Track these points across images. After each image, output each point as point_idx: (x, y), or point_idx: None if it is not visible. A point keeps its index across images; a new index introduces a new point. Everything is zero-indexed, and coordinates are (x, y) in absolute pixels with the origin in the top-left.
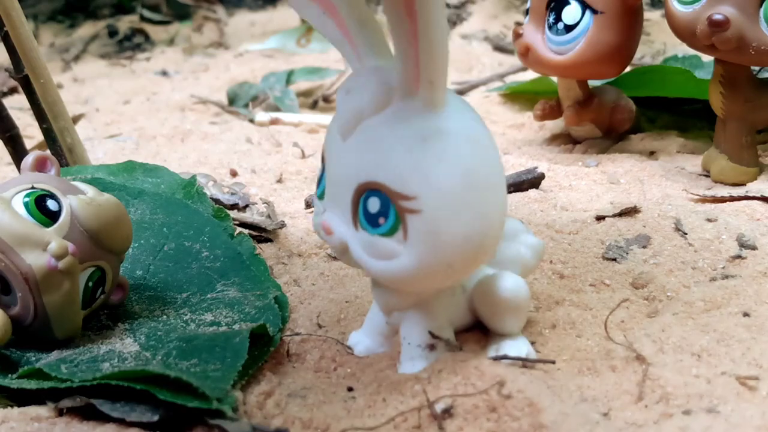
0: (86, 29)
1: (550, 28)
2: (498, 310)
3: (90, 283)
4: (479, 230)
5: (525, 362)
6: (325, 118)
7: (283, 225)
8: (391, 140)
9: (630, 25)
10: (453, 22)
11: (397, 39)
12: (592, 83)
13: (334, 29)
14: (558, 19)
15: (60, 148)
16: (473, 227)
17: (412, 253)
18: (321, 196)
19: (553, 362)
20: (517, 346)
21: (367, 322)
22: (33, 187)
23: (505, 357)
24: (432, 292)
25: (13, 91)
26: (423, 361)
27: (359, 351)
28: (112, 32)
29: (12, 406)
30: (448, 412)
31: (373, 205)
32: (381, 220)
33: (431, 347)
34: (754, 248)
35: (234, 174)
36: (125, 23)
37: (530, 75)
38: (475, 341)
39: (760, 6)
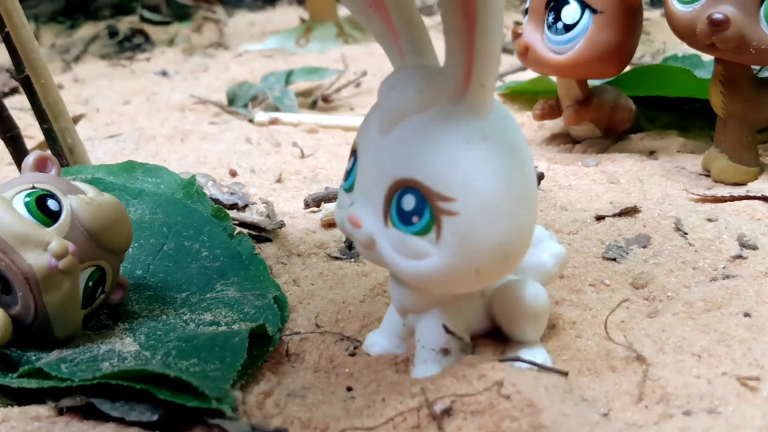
0: (87, 30)
1: (549, 27)
2: (516, 317)
3: (90, 283)
4: (511, 239)
5: (538, 368)
6: (324, 118)
7: (282, 225)
8: (435, 140)
9: (629, 25)
10: None
11: (451, 40)
12: (592, 83)
13: (380, 24)
14: (557, 18)
15: (60, 149)
16: (506, 235)
17: (442, 254)
18: (349, 189)
19: (566, 374)
20: (533, 355)
21: (385, 323)
22: (34, 187)
23: (517, 359)
24: (451, 296)
25: (14, 91)
26: (436, 366)
27: (375, 351)
28: (113, 33)
29: (12, 406)
30: (447, 413)
31: (408, 202)
32: (415, 219)
33: (445, 351)
34: (754, 248)
35: (233, 174)
36: (125, 24)
37: (529, 75)
38: (491, 347)
39: (761, 5)
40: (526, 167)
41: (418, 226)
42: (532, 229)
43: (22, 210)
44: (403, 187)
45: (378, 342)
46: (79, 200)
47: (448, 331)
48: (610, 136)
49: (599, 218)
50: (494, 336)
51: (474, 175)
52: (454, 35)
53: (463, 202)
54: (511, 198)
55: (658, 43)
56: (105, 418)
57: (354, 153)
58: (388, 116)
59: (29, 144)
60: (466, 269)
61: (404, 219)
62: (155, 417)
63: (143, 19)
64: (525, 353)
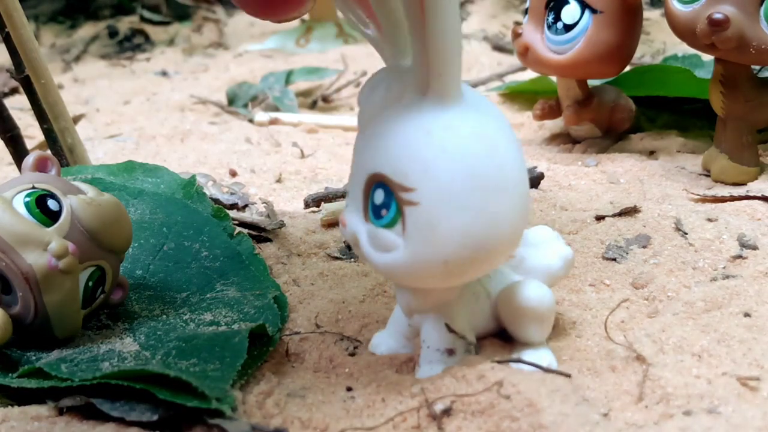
0: (87, 30)
1: (549, 27)
2: (521, 318)
3: (90, 283)
4: (481, 230)
5: (541, 370)
6: (324, 118)
7: (282, 225)
8: (398, 132)
9: (629, 25)
10: None
11: (413, 33)
12: (592, 83)
13: (373, 30)
14: (557, 18)
15: (60, 149)
16: (473, 225)
17: (408, 246)
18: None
19: (569, 376)
20: (539, 356)
21: (391, 323)
22: (34, 187)
23: (519, 360)
24: (455, 295)
25: (14, 91)
26: (442, 366)
27: (381, 351)
28: (113, 33)
29: (12, 405)
30: (447, 413)
31: (378, 196)
32: (383, 212)
33: (450, 352)
34: (755, 248)
35: (233, 174)
36: (125, 24)
37: (529, 74)
38: (497, 348)
39: (761, 5)
40: (501, 156)
41: (386, 218)
42: (518, 222)
43: (22, 210)
44: (375, 182)
45: (384, 342)
46: (79, 200)
47: (450, 330)
48: (610, 136)
49: (599, 218)
50: (500, 336)
51: (433, 165)
52: (415, 28)
53: (423, 192)
54: (479, 187)
55: (658, 43)
56: (105, 418)
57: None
58: (363, 114)
59: (29, 144)
60: (433, 260)
61: (376, 213)
62: (155, 417)
63: (143, 19)
64: (530, 354)
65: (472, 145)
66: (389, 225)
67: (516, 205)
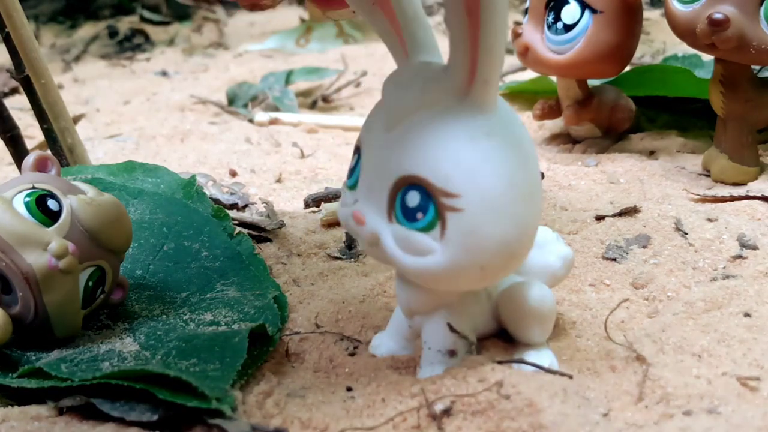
0: (87, 30)
1: (549, 27)
2: (522, 319)
3: (90, 283)
4: (516, 236)
5: (543, 370)
6: (324, 118)
7: (282, 225)
8: (439, 137)
9: (629, 25)
10: None
11: (455, 37)
12: (592, 83)
13: (384, 22)
14: (557, 18)
15: (60, 148)
16: (511, 233)
17: (447, 251)
18: (352, 187)
19: (571, 377)
20: (540, 357)
21: (391, 325)
22: (34, 187)
23: (520, 361)
24: (456, 296)
25: (14, 91)
26: (443, 367)
27: (381, 353)
28: (113, 33)
29: (12, 405)
30: (447, 413)
31: (413, 199)
32: (419, 215)
33: (452, 353)
34: (755, 248)
35: (233, 174)
36: (125, 24)
37: (529, 74)
38: (498, 349)
39: (761, 5)
40: (531, 165)
41: (422, 222)
42: (536, 227)
43: (22, 210)
44: (408, 184)
45: (384, 343)
46: (79, 200)
47: (453, 330)
48: (610, 136)
49: (599, 218)
50: (501, 337)
51: (479, 172)
52: (458, 33)
53: (468, 199)
54: (516, 196)
55: (658, 43)
56: (105, 418)
57: (358, 150)
58: (392, 113)
59: (29, 144)
60: (471, 266)
61: (408, 215)
62: (155, 417)
63: (143, 19)
64: (531, 355)
65: (512, 154)
66: (425, 229)
67: (538, 210)
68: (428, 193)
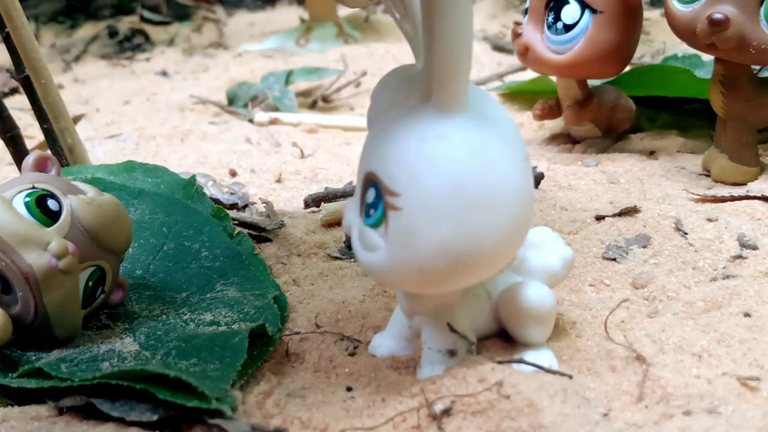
0: (87, 30)
1: (549, 27)
2: (522, 319)
3: (90, 283)
4: (460, 244)
5: (543, 370)
6: (324, 118)
7: (282, 225)
8: (395, 136)
9: (629, 25)
10: None
11: (423, 37)
12: (592, 83)
13: (407, 29)
14: (557, 18)
15: (60, 148)
16: (452, 238)
17: (388, 249)
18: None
19: (571, 377)
20: (540, 357)
21: (391, 325)
22: (34, 187)
23: (521, 361)
24: (456, 296)
25: (14, 91)
26: (443, 367)
27: (381, 353)
28: (113, 33)
29: (12, 405)
30: (447, 413)
31: (370, 195)
32: (371, 212)
33: (452, 353)
34: (755, 248)
35: (233, 174)
36: (125, 24)
37: (529, 75)
38: (498, 349)
39: (761, 5)
40: (494, 173)
41: (373, 218)
42: (505, 237)
43: (22, 210)
44: (370, 181)
45: (384, 343)
46: (79, 200)
47: (453, 330)
48: (610, 136)
49: (599, 218)
50: (501, 337)
51: (420, 173)
52: (424, 32)
53: (407, 199)
54: (462, 201)
55: (658, 43)
56: (105, 418)
57: None
58: (371, 113)
59: (29, 144)
60: (408, 267)
61: (366, 211)
62: (155, 417)
63: (143, 19)
64: (531, 355)
65: (464, 158)
66: (375, 225)
67: (505, 222)
68: (379, 190)
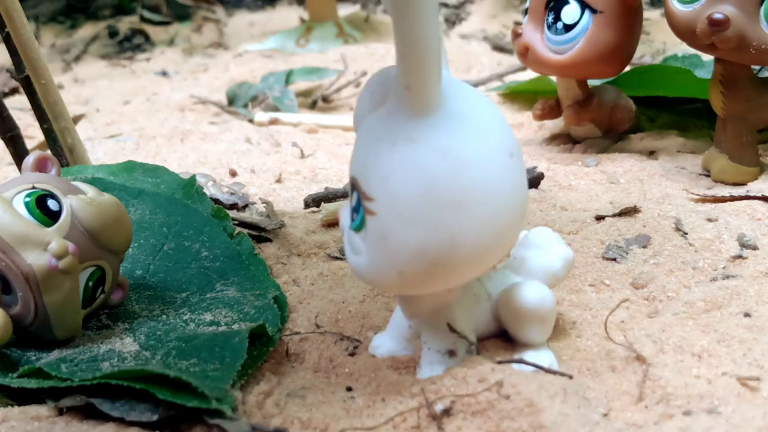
0: (87, 30)
1: (549, 27)
2: (522, 320)
3: (90, 283)
4: (436, 246)
5: (543, 371)
6: (324, 118)
7: (282, 225)
8: (370, 140)
9: (629, 25)
10: (452, 22)
11: (395, 41)
12: (592, 83)
13: None
14: (557, 18)
15: (60, 149)
16: (428, 241)
17: (367, 252)
18: None
19: (571, 377)
20: (540, 357)
21: (391, 325)
22: (34, 187)
23: (521, 361)
24: (456, 297)
25: (14, 91)
26: (443, 367)
27: (381, 353)
28: (113, 33)
29: (12, 405)
30: (447, 413)
31: (354, 199)
32: (354, 216)
33: (452, 353)
34: (755, 248)
35: (233, 174)
36: (125, 24)
37: (529, 75)
38: (498, 349)
39: (761, 5)
40: (468, 175)
41: (355, 222)
42: (483, 238)
43: (22, 210)
44: (353, 185)
45: (384, 344)
46: (79, 200)
47: (453, 330)
48: (610, 136)
49: (599, 218)
50: (501, 337)
51: (391, 177)
52: (394, 38)
53: (380, 203)
54: (434, 204)
55: (658, 43)
56: (105, 418)
57: None
58: (355, 116)
59: (29, 144)
60: (387, 270)
61: (351, 215)
62: (155, 417)
63: (143, 19)
64: (531, 355)
65: (434, 160)
66: (357, 229)
67: (485, 221)
68: (360, 195)
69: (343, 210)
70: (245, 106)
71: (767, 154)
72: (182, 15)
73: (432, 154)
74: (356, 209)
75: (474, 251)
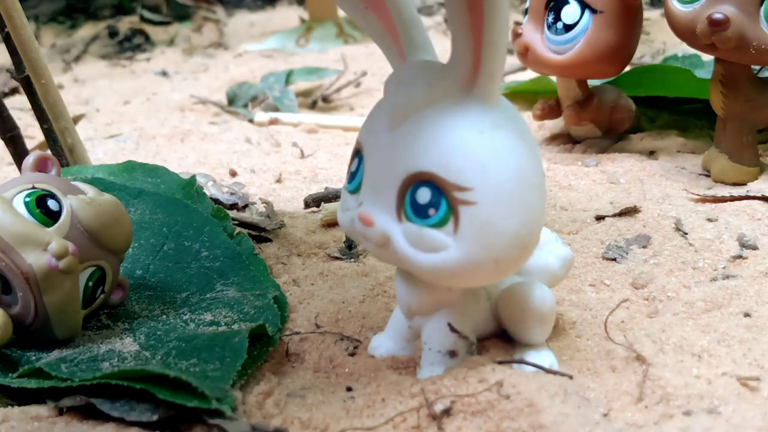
0: (87, 30)
1: (549, 27)
2: (523, 320)
3: (90, 283)
4: (528, 227)
5: (543, 371)
6: (324, 118)
7: (282, 225)
8: (448, 131)
9: (629, 25)
10: None
11: (458, 33)
12: (592, 83)
13: (377, 24)
14: (557, 18)
15: (60, 149)
16: (523, 224)
17: (461, 246)
18: (355, 190)
19: (571, 377)
20: (540, 357)
21: (390, 325)
22: (34, 187)
23: (521, 361)
24: (456, 296)
25: (14, 91)
26: (443, 367)
27: (381, 354)
28: (113, 33)
29: (12, 405)
30: (447, 413)
31: (423, 195)
32: (431, 212)
33: (452, 353)
34: (755, 248)
35: (233, 174)
36: (125, 24)
37: (529, 75)
38: (498, 349)
39: (761, 5)
40: (536, 155)
41: (434, 218)
42: (543, 218)
43: (22, 210)
44: (417, 181)
45: (383, 344)
46: (79, 200)
47: (453, 330)
48: (610, 136)
49: (599, 218)
50: (502, 337)
51: (490, 164)
52: (462, 29)
53: (481, 192)
54: (526, 186)
55: (658, 43)
56: (105, 418)
57: (358, 153)
58: (397, 111)
59: (29, 144)
60: (486, 260)
61: (420, 212)
62: (155, 417)
63: (143, 19)
64: (531, 355)
65: (519, 144)
66: (438, 225)
67: (544, 202)
68: (439, 189)
69: (378, 213)
70: (245, 106)
71: (767, 154)
72: (182, 15)
73: (516, 138)
74: (433, 204)
75: (540, 230)
